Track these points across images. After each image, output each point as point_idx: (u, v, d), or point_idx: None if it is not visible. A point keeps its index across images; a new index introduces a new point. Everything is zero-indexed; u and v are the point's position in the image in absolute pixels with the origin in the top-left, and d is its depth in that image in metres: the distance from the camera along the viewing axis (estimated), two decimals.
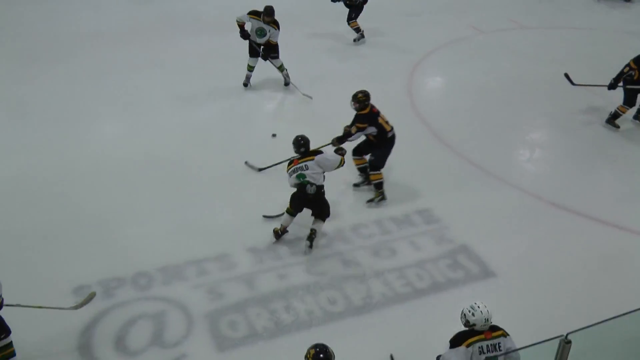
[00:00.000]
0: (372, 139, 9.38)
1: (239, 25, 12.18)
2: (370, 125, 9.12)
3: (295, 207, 8.38)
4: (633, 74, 11.42)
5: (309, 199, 8.30)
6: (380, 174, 9.40)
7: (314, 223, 8.41)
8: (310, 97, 12.34)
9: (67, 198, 8.96)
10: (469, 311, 5.68)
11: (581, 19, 17.49)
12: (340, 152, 8.64)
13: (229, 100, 12.30)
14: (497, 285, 7.88)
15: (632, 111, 11.94)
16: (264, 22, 12.06)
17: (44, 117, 11.32)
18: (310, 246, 8.31)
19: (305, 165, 8.25)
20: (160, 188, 9.44)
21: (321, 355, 5.35)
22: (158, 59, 13.74)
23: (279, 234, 8.42)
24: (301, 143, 8.43)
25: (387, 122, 9.29)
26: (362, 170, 9.81)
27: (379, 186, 9.46)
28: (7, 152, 10.05)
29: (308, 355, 5.36)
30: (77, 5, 16.73)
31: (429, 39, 15.43)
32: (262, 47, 12.31)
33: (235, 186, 9.59)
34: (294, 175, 8.27)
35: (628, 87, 11.64)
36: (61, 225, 8.39)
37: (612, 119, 11.86)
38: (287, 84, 12.83)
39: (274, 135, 10.90)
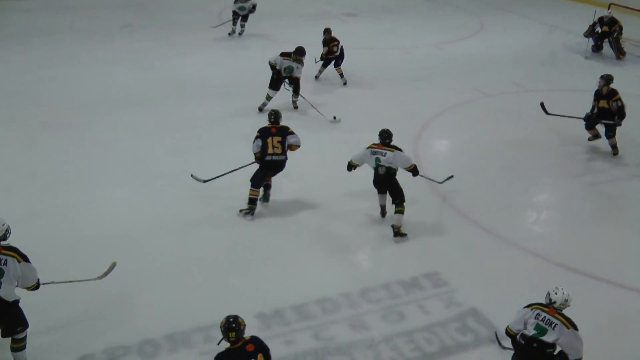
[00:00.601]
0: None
1: (272, 66, 14.28)
2: (258, 138, 10.29)
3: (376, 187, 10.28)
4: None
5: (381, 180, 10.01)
6: (255, 191, 10.33)
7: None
8: (339, 120, 14.22)
9: (73, 264, 8.91)
10: (553, 290, 6.76)
11: (582, 82, 17.63)
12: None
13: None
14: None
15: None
16: (293, 60, 14.22)
17: (53, 182, 11.38)
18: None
19: (384, 153, 9.88)
20: (167, 254, 9.41)
21: (231, 320, 6.15)
22: (167, 125, 13.89)
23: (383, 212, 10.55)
24: (388, 134, 10.05)
25: (273, 147, 10.25)
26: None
27: (251, 201, 10.34)
28: (17, 218, 10.05)
29: (221, 325, 6.13)
30: (86, 72, 17.00)
31: (435, 102, 15.59)
32: (286, 79, 14.44)
33: (242, 252, 9.56)
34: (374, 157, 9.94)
35: (604, 121, 12.90)
36: (65, 292, 8.32)
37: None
38: (295, 107, 14.87)
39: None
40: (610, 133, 13.13)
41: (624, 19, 20.27)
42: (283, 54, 14.31)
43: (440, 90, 16.48)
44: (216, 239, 9.84)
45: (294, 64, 14.25)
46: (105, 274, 7.96)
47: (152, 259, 9.29)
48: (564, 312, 6.73)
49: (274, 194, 10.90)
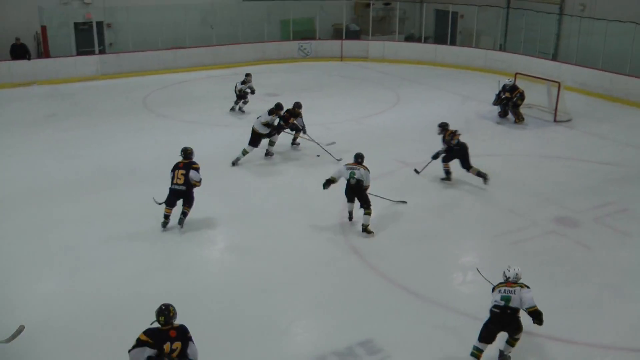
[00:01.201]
0: None
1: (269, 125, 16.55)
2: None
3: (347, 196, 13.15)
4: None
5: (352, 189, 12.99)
6: (168, 209, 12.93)
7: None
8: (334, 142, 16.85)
9: None
10: (507, 269, 9.08)
11: (497, 147, 18.53)
12: None
13: (168, 249, 12.48)
14: None
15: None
16: (277, 115, 16.71)
17: None
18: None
19: (357, 168, 13.04)
20: (107, 346, 9.32)
21: (163, 307, 7.51)
22: (96, 213, 13.86)
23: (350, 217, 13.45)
24: (361, 156, 13.40)
25: (177, 178, 12.78)
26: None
27: (164, 217, 12.99)
28: None
29: (156, 310, 7.47)
30: (11, 163, 16.85)
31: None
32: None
33: None
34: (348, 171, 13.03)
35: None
36: None
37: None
38: (268, 154, 17.14)
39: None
40: (467, 165, 15.46)
41: (528, 86, 21.45)
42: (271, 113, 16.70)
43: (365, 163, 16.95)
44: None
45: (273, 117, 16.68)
46: (12, 337, 7.77)
47: (91, 351, 9.25)
48: None
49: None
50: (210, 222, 13.44)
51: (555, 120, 21.07)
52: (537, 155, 17.97)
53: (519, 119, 20.99)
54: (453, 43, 31.47)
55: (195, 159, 13.00)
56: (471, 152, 15.63)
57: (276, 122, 16.83)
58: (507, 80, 21.46)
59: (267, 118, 16.58)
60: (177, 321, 7.63)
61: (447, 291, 11.10)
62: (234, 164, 16.67)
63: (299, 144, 18.12)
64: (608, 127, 20.83)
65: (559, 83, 21.14)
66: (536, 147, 18.83)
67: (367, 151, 17.07)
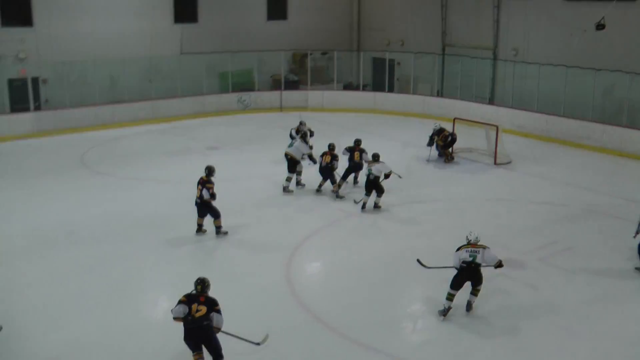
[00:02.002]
0: None
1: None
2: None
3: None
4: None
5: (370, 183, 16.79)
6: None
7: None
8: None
9: None
10: (469, 233, 11.85)
11: (442, 192, 18.68)
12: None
13: (108, 318, 12.12)
14: None
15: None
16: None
17: None
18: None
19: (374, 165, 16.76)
20: None
21: (200, 279, 9.76)
22: (29, 280, 13.27)
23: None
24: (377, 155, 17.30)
25: (197, 192, 14.71)
26: None
27: None
28: None
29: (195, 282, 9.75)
30: None
31: (304, 226, 16.01)
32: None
33: None
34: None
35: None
36: None
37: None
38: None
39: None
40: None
41: (467, 131, 21.77)
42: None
43: (306, 214, 16.89)
44: None
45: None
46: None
47: None
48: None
49: None
50: (156, 284, 13.12)
51: (495, 163, 21.38)
52: (479, 198, 18.15)
53: (448, 159, 21.73)
54: (391, 90, 31.88)
55: (136, 217, 12.75)
56: (413, 198, 15.72)
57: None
58: (434, 125, 22.19)
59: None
60: None
61: (399, 342, 11.03)
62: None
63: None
64: (547, 167, 21.23)
65: (496, 126, 21.50)
66: (478, 190, 19.03)
67: (310, 201, 17.18)
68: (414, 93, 30.84)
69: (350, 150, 18.60)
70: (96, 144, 24.42)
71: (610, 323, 11.67)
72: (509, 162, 21.70)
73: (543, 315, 11.88)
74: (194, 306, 9.47)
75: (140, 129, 26.86)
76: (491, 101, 29.05)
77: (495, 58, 29.48)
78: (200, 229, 15.35)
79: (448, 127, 22.50)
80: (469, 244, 11.71)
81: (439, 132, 21.84)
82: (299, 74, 33.38)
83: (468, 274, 11.60)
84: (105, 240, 15.03)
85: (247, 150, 23.19)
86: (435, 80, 31.39)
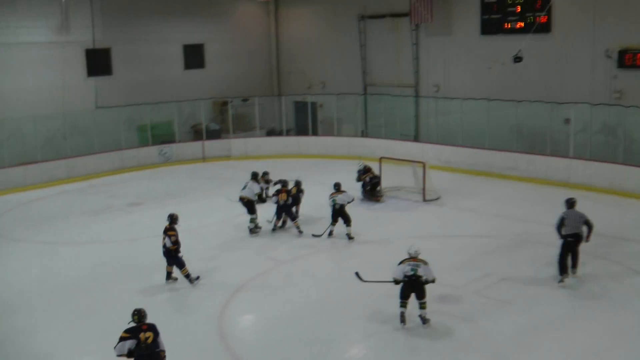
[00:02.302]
0: None
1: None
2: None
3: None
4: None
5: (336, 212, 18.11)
6: None
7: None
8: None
9: None
10: (409, 248, 13.13)
11: (373, 233, 18.91)
12: None
13: None
14: None
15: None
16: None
17: None
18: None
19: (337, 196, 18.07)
20: None
21: (136, 310, 10.62)
22: None
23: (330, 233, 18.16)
24: (339, 185, 19.00)
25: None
26: None
27: None
28: None
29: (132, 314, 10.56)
30: None
31: (234, 278, 15.95)
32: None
33: None
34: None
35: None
36: None
37: None
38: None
39: None
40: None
41: (394, 169, 22.17)
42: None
43: (236, 265, 16.85)
44: None
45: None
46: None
47: None
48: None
49: None
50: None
51: (424, 200, 21.81)
52: (410, 236, 18.37)
53: (375, 197, 22.34)
54: (315, 133, 32.33)
55: (55, 284, 12.42)
56: (345, 240, 15.86)
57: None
58: (358, 164, 22.88)
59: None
60: None
61: None
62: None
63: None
64: (476, 200, 21.77)
65: (423, 163, 21.97)
66: (409, 228, 19.34)
67: (239, 251, 17.18)
68: (338, 135, 31.33)
69: (277, 193, 19.23)
70: (8, 208, 23.76)
71: (547, 349, 12.00)
72: (438, 198, 22.15)
73: (482, 346, 12.15)
74: (142, 335, 10.35)
75: (56, 189, 26.25)
76: (416, 138, 29.68)
77: (417, 95, 30.23)
78: (169, 276, 15.91)
79: (374, 166, 22.90)
80: (410, 257, 12.99)
81: (364, 171, 22.39)
82: (221, 122, 33.51)
83: (411, 286, 12.87)
84: (17, 311, 14.59)
85: (171, 204, 22.93)
86: (359, 120, 31.94)
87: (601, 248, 16.81)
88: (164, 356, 10.67)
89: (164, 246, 15.58)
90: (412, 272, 12.79)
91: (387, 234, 18.95)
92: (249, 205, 19.40)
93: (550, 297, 14.19)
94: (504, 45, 25.52)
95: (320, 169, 27.72)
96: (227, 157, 30.91)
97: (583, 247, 15.21)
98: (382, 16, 31.23)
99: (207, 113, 33.22)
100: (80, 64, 30.15)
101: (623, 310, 13.46)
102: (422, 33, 29.85)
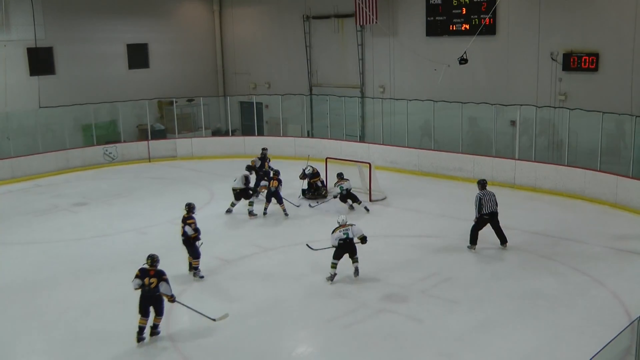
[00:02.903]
0: None
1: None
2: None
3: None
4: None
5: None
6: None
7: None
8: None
9: None
10: (338, 218, 15.60)
11: (318, 233, 18.89)
12: None
13: None
14: None
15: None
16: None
17: None
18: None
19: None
20: None
21: (151, 255, 12.58)
22: None
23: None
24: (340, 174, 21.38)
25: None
26: None
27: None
28: None
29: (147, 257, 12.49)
30: None
31: (179, 277, 15.66)
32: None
33: None
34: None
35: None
36: None
37: None
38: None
39: None
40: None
41: (340, 170, 22.26)
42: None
43: (181, 265, 16.67)
44: None
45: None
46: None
47: None
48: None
49: None
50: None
51: (370, 200, 21.91)
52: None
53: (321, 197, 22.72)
54: (261, 134, 32.21)
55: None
56: (290, 241, 15.92)
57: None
58: (307, 167, 22.96)
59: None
60: None
61: None
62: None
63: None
64: (422, 201, 21.99)
65: (369, 164, 22.09)
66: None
67: (186, 252, 17.03)
68: (284, 135, 31.27)
69: (269, 180, 21.39)
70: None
71: (494, 347, 12.21)
72: (384, 198, 22.30)
73: (428, 345, 12.30)
74: (146, 280, 12.40)
75: (0, 189, 25.78)
76: (362, 139, 29.81)
77: (362, 96, 30.41)
78: (192, 268, 16.21)
79: (320, 166, 22.98)
80: (340, 225, 15.38)
81: (312, 175, 22.59)
82: (166, 122, 33.24)
83: (345, 247, 15.24)
84: None
85: (117, 205, 22.78)
86: (305, 121, 31.99)
87: (545, 248, 17.21)
88: (171, 301, 12.67)
89: (184, 235, 15.87)
90: (344, 236, 15.15)
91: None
92: (242, 194, 21.04)
93: (495, 296, 14.42)
94: (450, 46, 25.84)
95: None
96: (173, 157, 30.66)
97: (529, 247, 15.60)
98: (327, 17, 31.30)
99: (152, 113, 32.91)
100: (22, 63, 29.64)
101: (566, 309, 13.74)
102: (368, 34, 30.02)
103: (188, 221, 15.86)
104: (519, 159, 23.79)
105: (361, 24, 29.28)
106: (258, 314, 13.86)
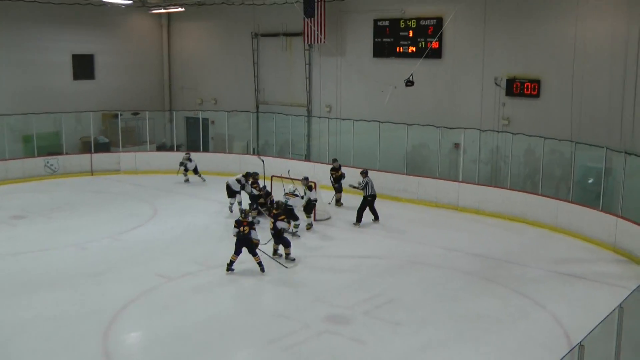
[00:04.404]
0: None
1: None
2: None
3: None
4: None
5: None
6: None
7: None
8: None
9: None
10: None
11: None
12: None
13: None
14: None
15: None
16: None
17: None
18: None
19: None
20: None
21: (242, 211, 18.31)
22: None
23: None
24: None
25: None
26: None
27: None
28: None
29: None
30: None
31: (118, 295, 15.37)
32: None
33: None
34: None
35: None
36: None
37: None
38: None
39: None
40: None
41: (284, 188, 22.05)
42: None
43: (121, 282, 16.29)
44: None
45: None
46: None
47: None
48: None
49: None
50: None
51: (314, 220, 21.71)
52: (301, 255, 18.31)
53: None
54: (206, 150, 31.87)
55: None
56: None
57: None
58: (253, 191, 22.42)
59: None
60: None
61: None
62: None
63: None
64: (366, 221, 21.83)
65: (314, 183, 21.93)
66: (299, 248, 19.16)
67: (127, 268, 16.71)
68: (230, 152, 31.01)
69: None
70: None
71: None
72: (328, 218, 22.18)
73: None
74: (242, 228, 16.61)
75: None
76: (307, 158, 29.71)
77: (309, 115, 30.33)
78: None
79: (265, 184, 22.81)
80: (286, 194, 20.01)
81: (267, 194, 22.36)
82: (110, 135, 32.66)
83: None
84: None
85: (57, 218, 22.22)
86: (251, 138, 31.78)
87: (488, 271, 17.30)
88: (257, 244, 16.86)
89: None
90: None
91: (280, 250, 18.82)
92: (228, 191, 22.61)
93: (438, 318, 14.37)
94: (397, 68, 25.97)
95: (210, 185, 27.36)
96: (116, 171, 30.11)
97: (472, 269, 15.73)
98: (276, 34, 31.17)
99: (96, 125, 32.24)
100: None
101: (508, 332, 13.76)
102: (315, 53, 29.99)
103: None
104: (462, 182, 23.94)
105: (309, 42, 29.25)
106: (199, 333, 13.54)
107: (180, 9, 32.60)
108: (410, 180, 25.03)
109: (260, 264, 16.79)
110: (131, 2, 30.90)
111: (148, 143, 32.36)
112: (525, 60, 23.87)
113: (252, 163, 28.70)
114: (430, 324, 14.02)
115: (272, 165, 27.23)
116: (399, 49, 26.76)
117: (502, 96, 24.46)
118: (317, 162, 28.09)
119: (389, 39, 27.11)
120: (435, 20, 25.62)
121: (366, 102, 28.01)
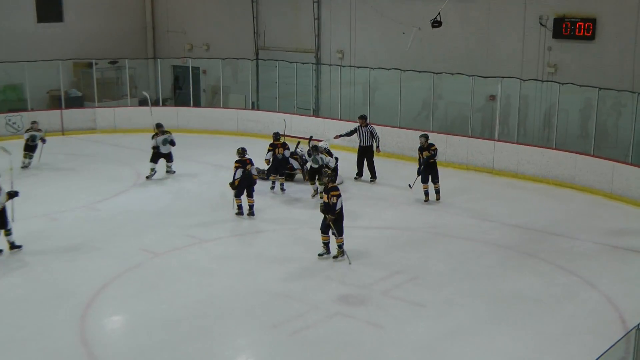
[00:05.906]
0: None
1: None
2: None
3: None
4: None
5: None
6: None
7: None
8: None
9: None
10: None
11: (263, 223, 18.88)
12: None
13: None
14: None
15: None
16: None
17: None
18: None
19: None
20: None
21: (240, 147, 19.53)
22: None
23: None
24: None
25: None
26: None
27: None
28: None
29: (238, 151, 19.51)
30: None
31: (97, 274, 15.59)
32: None
33: None
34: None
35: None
36: None
37: None
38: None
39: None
40: (436, 179, 20.54)
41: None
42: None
43: (100, 259, 16.49)
44: None
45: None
46: None
47: None
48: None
49: None
50: None
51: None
52: (308, 226, 18.40)
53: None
54: (197, 104, 31.97)
55: None
56: (232, 231, 15.82)
57: None
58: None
59: None
60: None
61: None
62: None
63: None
64: (384, 186, 22.03)
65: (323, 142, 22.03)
66: (309, 216, 19.27)
67: (106, 243, 16.86)
68: (225, 107, 31.12)
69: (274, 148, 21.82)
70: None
71: (466, 358, 12.25)
72: (340, 183, 22.20)
73: (391, 355, 12.28)
74: (247, 166, 19.09)
75: None
76: (316, 113, 29.76)
77: (318, 62, 30.31)
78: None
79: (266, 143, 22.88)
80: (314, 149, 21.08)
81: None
82: (83, 88, 32.75)
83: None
84: None
85: (23, 185, 22.39)
86: (250, 90, 31.82)
87: (527, 244, 17.38)
88: (256, 178, 19.63)
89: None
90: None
91: (286, 220, 19.23)
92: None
93: (468, 299, 14.48)
94: (421, 6, 25.87)
95: (201, 147, 27.47)
96: (92, 130, 30.28)
97: (508, 243, 16.09)
98: None
99: (67, 77, 32.33)
100: None
101: (551, 314, 13.85)
102: None
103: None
104: (499, 140, 23.98)
105: None
106: (191, 317, 13.74)
107: None
108: (437, 139, 24.83)
109: (252, 206, 19.41)
110: None
111: (129, 97, 32.50)
112: None
113: (252, 120, 28.83)
114: (458, 307, 14.14)
115: (275, 122, 27.21)
116: None
117: (548, 39, 24.33)
118: (327, 118, 28.12)
119: None
120: None
121: (385, 47, 27.97)
